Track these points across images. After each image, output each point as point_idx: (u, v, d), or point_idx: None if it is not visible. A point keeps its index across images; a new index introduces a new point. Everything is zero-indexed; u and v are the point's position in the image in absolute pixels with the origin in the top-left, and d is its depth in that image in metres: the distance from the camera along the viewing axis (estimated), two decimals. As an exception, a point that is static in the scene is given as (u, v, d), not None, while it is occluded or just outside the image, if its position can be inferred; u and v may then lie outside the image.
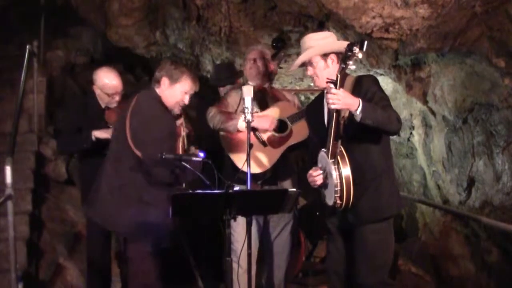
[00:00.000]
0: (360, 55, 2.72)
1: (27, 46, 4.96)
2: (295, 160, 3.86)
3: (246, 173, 3.18)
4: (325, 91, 2.94)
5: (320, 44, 2.97)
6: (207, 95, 5.06)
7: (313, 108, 3.20)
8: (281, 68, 4.92)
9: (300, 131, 3.62)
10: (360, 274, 2.92)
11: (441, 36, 3.76)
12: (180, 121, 3.39)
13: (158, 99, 3.19)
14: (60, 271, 4.57)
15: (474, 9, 3.55)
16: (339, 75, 2.74)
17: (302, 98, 6.06)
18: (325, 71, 2.95)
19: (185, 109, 3.44)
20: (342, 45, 2.83)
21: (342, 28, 4.09)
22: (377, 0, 3.61)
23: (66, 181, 5.15)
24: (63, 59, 6.28)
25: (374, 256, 2.91)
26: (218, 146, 3.73)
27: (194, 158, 3.05)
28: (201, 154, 3.09)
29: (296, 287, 4.71)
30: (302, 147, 3.71)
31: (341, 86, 2.88)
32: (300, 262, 4.86)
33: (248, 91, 3.16)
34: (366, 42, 2.72)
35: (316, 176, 2.96)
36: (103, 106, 3.85)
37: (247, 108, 3.14)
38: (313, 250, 5.15)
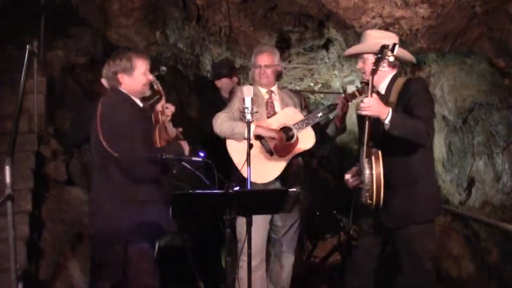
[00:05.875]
0: (391, 58, 2.80)
1: (27, 46, 4.94)
2: (304, 164, 3.87)
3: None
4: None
5: (377, 43, 2.98)
6: (207, 94, 5.07)
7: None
8: (284, 68, 4.92)
9: (306, 139, 3.63)
10: (403, 277, 3.00)
11: (441, 36, 3.76)
12: (161, 104, 3.33)
13: (123, 97, 3.16)
14: (60, 271, 4.56)
15: (474, 9, 3.56)
16: (371, 77, 2.84)
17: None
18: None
19: (165, 91, 3.40)
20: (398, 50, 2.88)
21: (342, 28, 4.09)
22: (377, 0, 3.61)
23: (66, 181, 5.15)
24: (63, 59, 6.26)
25: (416, 259, 2.95)
26: (218, 145, 3.73)
27: (194, 158, 3.05)
28: (201, 154, 3.09)
29: (296, 287, 4.71)
30: (308, 153, 3.73)
31: (390, 88, 2.94)
32: (300, 262, 4.86)
33: (248, 91, 3.16)
34: (397, 45, 2.80)
35: (347, 179, 3.09)
36: None
37: (247, 108, 3.14)
38: (313, 250, 5.15)
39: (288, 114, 3.69)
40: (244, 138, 3.46)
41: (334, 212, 5.04)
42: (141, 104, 3.23)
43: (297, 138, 3.63)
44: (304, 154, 3.73)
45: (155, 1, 5.29)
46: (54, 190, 5.10)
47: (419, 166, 2.96)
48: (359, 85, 4.12)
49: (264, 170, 3.57)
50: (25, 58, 4.85)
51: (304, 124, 3.62)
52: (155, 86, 3.34)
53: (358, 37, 4.02)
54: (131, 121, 3.05)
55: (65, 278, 4.53)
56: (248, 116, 3.15)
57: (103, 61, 3.37)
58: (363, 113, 2.81)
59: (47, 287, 4.43)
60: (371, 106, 2.77)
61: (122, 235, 3.10)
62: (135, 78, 3.17)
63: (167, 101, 3.48)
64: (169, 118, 3.36)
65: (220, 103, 4.07)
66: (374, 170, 2.83)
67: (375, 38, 3.05)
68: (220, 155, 3.68)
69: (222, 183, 2.83)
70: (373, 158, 2.85)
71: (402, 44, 3.95)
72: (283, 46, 4.67)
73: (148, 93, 3.27)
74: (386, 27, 3.79)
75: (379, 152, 2.86)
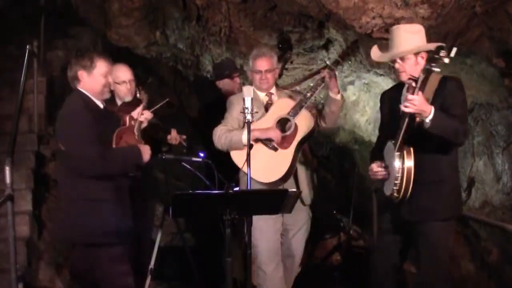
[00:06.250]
0: (446, 60, 2.82)
1: (27, 46, 4.95)
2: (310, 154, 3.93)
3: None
4: (405, 85, 3.09)
5: (412, 41, 3.00)
6: (207, 95, 5.07)
7: (390, 95, 3.28)
8: (286, 69, 4.92)
9: (304, 123, 3.67)
10: (422, 271, 3.04)
11: (441, 36, 3.75)
12: (137, 110, 3.36)
13: (79, 95, 3.19)
14: (60, 271, 4.57)
15: (474, 9, 3.55)
16: (422, 75, 2.86)
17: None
18: (414, 67, 3.02)
19: (150, 98, 3.48)
20: (433, 45, 2.92)
21: (342, 28, 4.09)
22: (377, 0, 3.60)
23: (66, 181, 5.15)
24: (63, 59, 6.27)
25: (435, 254, 2.99)
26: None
27: (194, 158, 3.06)
28: (201, 154, 3.09)
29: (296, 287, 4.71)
30: (311, 138, 3.77)
31: (424, 83, 2.95)
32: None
33: (248, 91, 3.17)
34: (455, 49, 2.84)
35: (376, 172, 3.10)
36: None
37: (247, 108, 3.15)
38: (313, 250, 5.15)
39: (281, 105, 3.72)
40: (244, 145, 3.47)
41: (334, 212, 5.04)
42: (101, 105, 3.25)
43: (295, 125, 3.66)
44: (308, 138, 3.76)
45: (155, 1, 5.28)
46: (54, 190, 5.10)
47: (448, 164, 3.02)
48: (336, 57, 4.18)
49: (273, 168, 3.59)
50: (25, 58, 4.85)
51: (298, 108, 3.66)
52: (137, 95, 3.40)
53: (358, 37, 4.02)
54: (82, 118, 3.07)
55: (65, 278, 4.54)
56: (248, 116, 3.15)
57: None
58: (406, 110, 2.83)
59: (47, 287, 4.43)
60: (416, 105, 2.80)
61: (86, 239, 3.10)
62: (94, 77, 3.18)
63: (168, 102, 3.51)
64: (144, 124, 3.38)
65: (220, 104, 4.07)
66: (405, 164, 2.87)
67: (411, 33, 3.06)
68: (220, 155, 3.68)
69: (222, 183, 2.84)
70: (405, 152, 2.89)
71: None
72: (285, 47, 4.66)
73: (108, 95, 3.30)
74: (386, 27, 3.78)
75: (411, 148, 2.91)
